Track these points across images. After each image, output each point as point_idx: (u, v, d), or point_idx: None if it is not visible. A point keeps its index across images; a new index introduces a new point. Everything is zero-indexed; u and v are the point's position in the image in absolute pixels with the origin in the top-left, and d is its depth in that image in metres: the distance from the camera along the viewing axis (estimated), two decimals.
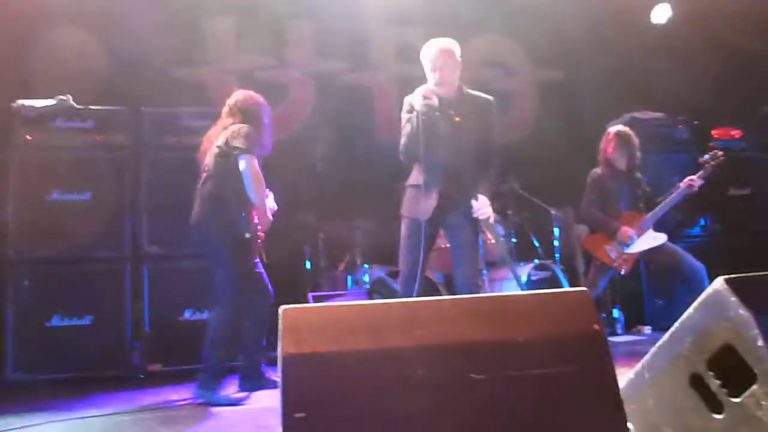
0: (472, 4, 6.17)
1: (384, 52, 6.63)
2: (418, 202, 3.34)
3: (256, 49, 6.27)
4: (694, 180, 4.49)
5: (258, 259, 3.76)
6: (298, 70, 6.39)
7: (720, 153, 4.62)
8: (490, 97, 3.53)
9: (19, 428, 3.00)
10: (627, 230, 4.53)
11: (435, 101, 3.31)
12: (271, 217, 3.79)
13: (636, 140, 4.76)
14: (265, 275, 3.78)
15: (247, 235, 3.57)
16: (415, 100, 3.30)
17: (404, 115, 3.41)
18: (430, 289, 4.91)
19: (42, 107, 4.51)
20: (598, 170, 4.78)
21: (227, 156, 3.59)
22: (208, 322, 3.66)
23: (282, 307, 1.40)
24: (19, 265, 4.30)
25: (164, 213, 4.47)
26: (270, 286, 3.78)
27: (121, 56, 5.36)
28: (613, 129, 4.81)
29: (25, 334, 4.23)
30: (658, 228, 4.61)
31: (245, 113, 3.75)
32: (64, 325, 4.30)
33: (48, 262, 4.35)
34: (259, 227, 3.70)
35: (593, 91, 6.40)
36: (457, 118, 3.33)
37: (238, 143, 3.56)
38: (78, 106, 4.56)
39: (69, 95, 4.53)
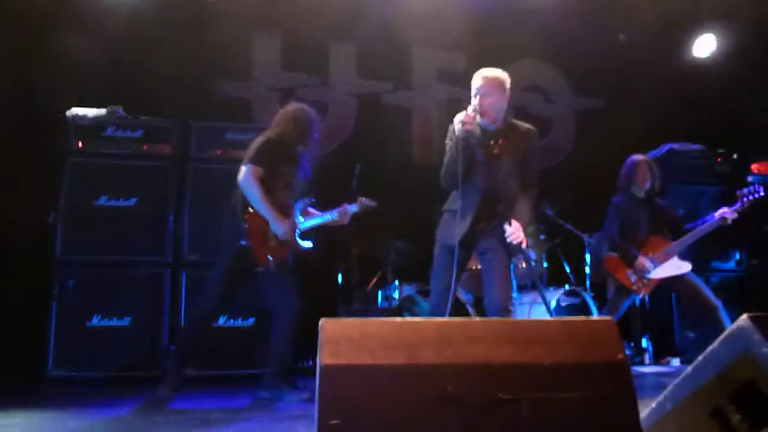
0: (514, 30, 6.26)
1: (425, 75, 6.75)
2: (451, 227, 3.39)
3: (299, 68, 6.45)
4: (728, 212, 4.48)
5: (284, 268, 3.84)
6: (339, 89, 6.54)
7: (759, 188, 4.60)
8: (532, 127, 3.57)
9: (58, 422, 3.14)
10: (644, 260, 4.56)
11: (476, 129, 3.38)
12: (286, 226, 3.80)
13: (656, 168, 4.83)
14: (291, 284, 3.87)
15: (243, 243, 3.71)
16: (454, 126, 3.36)
17: (447, 143, 3.48)
18: (459, 309, 4.96)
19: (94, 116, 4.73)
20: (616, 197, 4.86)
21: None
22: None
23: (322, 320, 1.50)
24: (65, 266, 4.50)
25: (205, 222, 4.64)
26: (295, 296, 3.85)
27: (170, 70, 5.56)
28: (637, 157, 4.85)
29: (67, 332, 4.41)
30: (687, 258, 4.61)
31: (277, 125, 3.91)
32: (104, 325, 4.47)
33: (92, 264, 4.53)
34: (275, 235, 3.77)
35: (632, 120, 6.42)
36: (497, 151, 3.39)
37: (246, 154, 3.76)
38: (128, 117, 4.77)
39: (120, 106, 4.74)
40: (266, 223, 3.76)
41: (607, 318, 1.72)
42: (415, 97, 6.70)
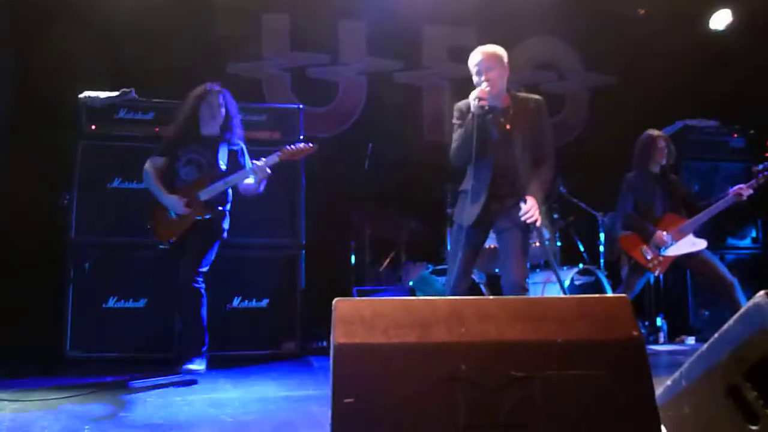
0: (526, 7, 6.17)
1: (436, 52, 6.69)
2: (465, 208, 3.39)
3: (309, 47, 6.41)
4: (744, 189, 4.43)
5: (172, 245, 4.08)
6: (350, 68, 6.50)
7: None
8: (540, 97, 3.54)
9: (74, 396, 3.19)
10: (662, 234, 4.52)
11: (488, 105, 3.36)
12: (173, 199, 4.04)
13: (672, 144, 4.79)
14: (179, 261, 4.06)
15: (148, 227, 4.16)
16: (467, 104, 3.33)
17: (455, 122, 3.46)
18: (473, 288, 4.96)
19: (106, 99, 4.72)
20: (631, 174, 4.79)
21: None
22: None
23: (336, 299, 1.50)
24: (80, 248, 4.53)
25: None
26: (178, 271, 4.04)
27: (180, 51, 5.54)
28: (654, 133, 4.78)
29: (83, 314, 4.46)
30: (702, 235, 4.57)
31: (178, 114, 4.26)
32: (120, 307, 4.52)
33: (107, 247, 4.56)
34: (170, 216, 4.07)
35: (646, 96, 6.34)
36: (508, 126, 3.35)
37: None
38: (140, 99, 4.76)
39: (132, 88, 4.73)
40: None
41: (621, 295, 1.71)
42: (426, 76, 6.65)
